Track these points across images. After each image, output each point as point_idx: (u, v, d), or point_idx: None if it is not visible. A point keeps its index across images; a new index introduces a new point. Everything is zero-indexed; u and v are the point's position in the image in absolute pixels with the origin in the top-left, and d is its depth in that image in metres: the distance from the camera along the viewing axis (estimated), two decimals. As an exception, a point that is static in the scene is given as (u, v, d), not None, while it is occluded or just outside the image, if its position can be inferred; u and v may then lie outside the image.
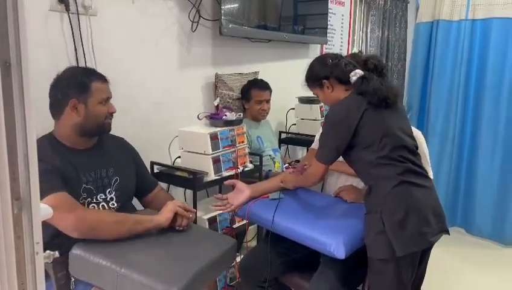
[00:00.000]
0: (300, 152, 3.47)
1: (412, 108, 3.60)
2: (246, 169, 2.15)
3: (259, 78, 2.70)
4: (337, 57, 1.68)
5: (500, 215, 3.19)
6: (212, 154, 1.96)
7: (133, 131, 1.94)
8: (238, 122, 2.14)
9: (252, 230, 2.55)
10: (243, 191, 1.76)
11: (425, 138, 1.91)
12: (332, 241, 1.49)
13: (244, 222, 2.10)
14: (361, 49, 3.50)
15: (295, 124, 3.15)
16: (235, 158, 2.09)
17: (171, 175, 1.99)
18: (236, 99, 2.59)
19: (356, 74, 1.58)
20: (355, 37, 3.90)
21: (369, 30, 3.97)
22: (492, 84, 3.18)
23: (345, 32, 3.76)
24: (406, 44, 4.35)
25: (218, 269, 1.51)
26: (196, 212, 1.87)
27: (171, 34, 2.20)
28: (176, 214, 1.47)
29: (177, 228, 1.48)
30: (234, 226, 2.13)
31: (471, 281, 2.72)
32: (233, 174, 2.05)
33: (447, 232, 1.56)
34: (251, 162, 2.23)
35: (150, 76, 2.13)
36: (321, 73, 1.65)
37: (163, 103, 2.22)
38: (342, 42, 3.74)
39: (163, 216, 1.44)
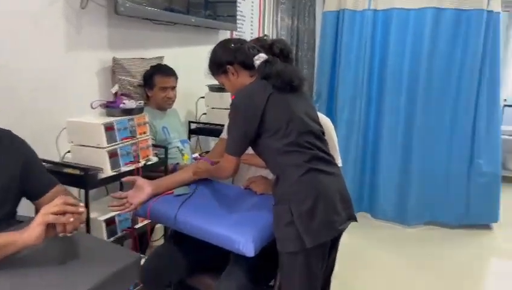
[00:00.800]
0: (213, 143, 3.33)
1: (321, 97, 3.63)
2: (149, 163, 1.96)
3: (163, 63, 2.50)
4: (240, 41, 1.61)
5: (402, 198, 3.36)
6: (107, 147, 1.74)
7: (11, 123, 1.64)
8: (138, 110, 1.94)
9: (159, 229, 2.37)
10: (144, 188, 1.59)
11: (334, 126, 1.88)
12: (241, 238, 1.39)
13: (149, 221, 1.91)
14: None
15: (206, 114, 3.01)
16: (135, 151, 1.89)
17: (59, 173, 1.72)
18: (138, 87, 2.36)
19: (260, 57, 1.51)
20: (266, 26, 3.85)
21: (279, 18, 3.94)
22: (393, 74, 3.32)
23: (255, 19, 3.69)
24: (315, 34, 4.42)
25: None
26: (88, 213, 1.64)
27: (54, 9, 1.91)
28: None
29: (60, 235, 1.22)
30: (136, 226, 1.93)
31: (378, 263, 2.82)
32: (134, 169, 1.85)
33: (355, 219, 1.54)
34: (156, 155, 2.05)
35: (31, 58, 1.83)
36: (224, 58, 1.55)
37: (49, 90, 1.93)
38: (252, 30, 3.66)
39: (31, 234, 1.10)
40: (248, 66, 1.53)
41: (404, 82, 3.29)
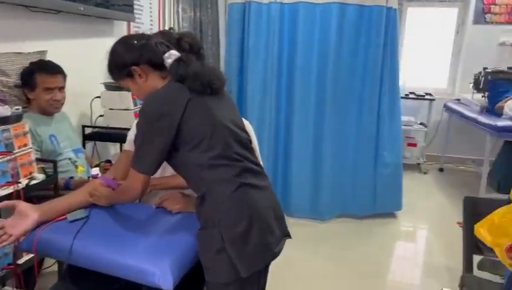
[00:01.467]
0: (113, 149, 2.97)
1: (231, 93, 3.46)
2: (34, 182, 1.60)
3: (47, 59, 2.10)
4: (144, 36, 1.35)
5: (315, 194, 3.36)
6: (-28, 168, 1.36)
7: None
8: (16, 118, 1.56)
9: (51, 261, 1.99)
10: (27, 215, 1.28)
11: None
12: (155, 269, 1.17)
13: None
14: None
15: (102, 116, 2.64)
16: (14, 169, 1.52)
17: None
18: (15, 88, 1.94)
19: (171, 55, 1.28)
20: (166, 17, 3.55)
21: (180, 9, 3.66)
22: (302, 69, 3.28)
23: (154, 10, 3.37)
24: (219, 26, 4.22)
25: None
26: None
27: None
28: None
29: None
30: (20, 262, 1.56)
31: (298, 263, 2.76)
32: (13, 192, 1.48)
33: (289, 235, 1.40)
34: (43, 170, 1.68)
35: None
36: (127, 58, 1.29)
37: None
38: (152, 21, 3.34)
39: None
40: (157, 65, 1.28)
41: (313, 77, 3.28)
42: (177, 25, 3.59)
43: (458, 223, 3.24)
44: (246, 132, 1.36)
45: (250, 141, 1.36)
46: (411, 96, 5.06)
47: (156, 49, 1.28)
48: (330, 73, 3.25)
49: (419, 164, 5.01)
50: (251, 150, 1.34)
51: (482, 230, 1.55)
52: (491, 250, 2.19)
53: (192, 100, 1.20)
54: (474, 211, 2.09)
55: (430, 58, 5.33)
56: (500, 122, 3.55)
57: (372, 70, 3.28)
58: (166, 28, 3.41)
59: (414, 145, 4.99)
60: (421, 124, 5.12)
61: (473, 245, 2.08)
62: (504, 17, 4.96)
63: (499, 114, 3.88)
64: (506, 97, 3.92)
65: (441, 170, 5.04)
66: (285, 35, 3.30)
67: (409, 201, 3.63)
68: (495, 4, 4.94)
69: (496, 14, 4.97)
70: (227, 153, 1.22)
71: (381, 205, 3.46)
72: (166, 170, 1.51)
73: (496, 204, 2.12)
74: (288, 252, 2.91)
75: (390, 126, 3.43)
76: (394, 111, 3.44)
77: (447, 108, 4.96)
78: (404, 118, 5.02)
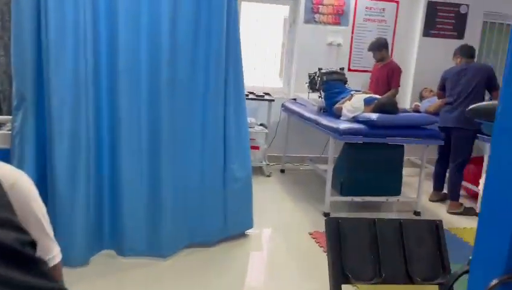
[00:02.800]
0: None
1: (26, 100, 2.44)
2: None
3: None
4: None
5: (153, 226, 2.67)
6: None
7: None
8: None
9: None
10: None
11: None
12: None
13: None
14: None
15: None
16: None
17: None
18: None
19: None
20: None
21: None
22: (128, 68, 2.54)
23: None
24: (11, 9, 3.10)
25: None
26: None
27: None
28: None
29: None
30: None
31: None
32: None
33: None
34: None
35: None
36: None
37: None
38: None
39: None
40: None
41: (143, 75, 2.58)
42: None
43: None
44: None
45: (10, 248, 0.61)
46: (251, 96, 4.78)
47: None
48: (165, 72, 2.59)
49: (262, 167, 4.79)
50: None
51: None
52: (359, 279, 1.95)
53: None
54: (338, 232, 1.81)
55: (266, 56, 5.16)
56: (343, 125, 3.47)
57: (214, 67, 2.76)
58: None
59: (257, 148, 4.74)
60: (261, 125, 4.91)
61: (340, 274, 1.81)
62: (331, 18, 5.08)
63: (337, 115, 3.85)
64: (343, 98, 3.92)
65: (283, 171, 4.92)
66: (101, 26, 2.51)
67: (259, 214, 3.25)
68: (322, 4, 5.01)
69: (323, 14, 5.05)
70: None
71: (233, 225, 2.98)
72: None
73: (358, 223, 1.90)
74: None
75: (239, 134, 2.97)
76: (240, 115, 2.99)
77: (285, 108, 4.85)
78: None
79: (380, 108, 3.57)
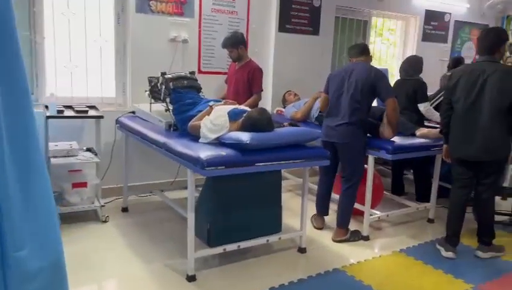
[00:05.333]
0: None
1: None
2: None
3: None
4: None
5: None
6: None
7: None
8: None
9: None
10: None
11: None
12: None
13: None
14: None
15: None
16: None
17: None
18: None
19: None
20: None
21: None
22: None
23: None
24: None
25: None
26: None
27: None
28: None
29: None
30: None
31: None
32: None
33: None
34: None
35: None
36: None
37: None
38: None
39: None
40: None
41: None
42: None
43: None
44: None
45: None
46: (68, 113, 3.38)
47: None
48: None
49: (95, 210, 3.46)
50: None
51: None
52: None
53: None
54: None
55: (84, 57, 3.79)
56: (205, 154, 2.42)
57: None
58: None
59: (84, 185, 3.37)
60: (88, 150, 3.56)
61: None
62: (171, 7, 3.99)
63: (192, 135, 2.81)
64: (199, 111, 2.89)
65: (125, 209, 3.68)
66: None
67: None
68: (159, -12, 3.89)
69: (161, 2, 3.92)
70: None
71: None
72: None
73: None
74: None
75: (27, 190, 1.64)
76: (28, 157, 1.65)
77: (120, 125, 3.59)
78: (60, 145, 3.32)
79: (251, 124, 2.66)
